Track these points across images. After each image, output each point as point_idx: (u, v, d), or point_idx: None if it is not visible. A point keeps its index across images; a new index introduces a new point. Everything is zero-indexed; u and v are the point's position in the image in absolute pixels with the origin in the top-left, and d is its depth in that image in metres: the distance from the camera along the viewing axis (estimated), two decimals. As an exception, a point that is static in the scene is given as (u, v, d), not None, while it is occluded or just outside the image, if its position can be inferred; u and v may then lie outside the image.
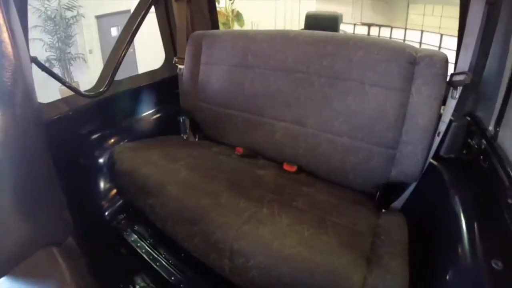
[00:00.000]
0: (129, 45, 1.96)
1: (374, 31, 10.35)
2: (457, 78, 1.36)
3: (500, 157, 1.24)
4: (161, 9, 2.27)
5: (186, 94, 2.12)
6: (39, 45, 8.07)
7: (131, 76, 2.22)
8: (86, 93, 1.77)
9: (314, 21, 2.78)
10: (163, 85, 2.26)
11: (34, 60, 1.39)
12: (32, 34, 6.91)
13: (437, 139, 1.41)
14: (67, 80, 5.36)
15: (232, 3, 8.66)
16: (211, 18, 2.44)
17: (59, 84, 1.70)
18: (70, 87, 1.68)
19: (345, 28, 9.79)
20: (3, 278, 0.89)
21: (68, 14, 8.71)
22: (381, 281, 1.01)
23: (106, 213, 1.79)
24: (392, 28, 10.12)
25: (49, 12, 8.37)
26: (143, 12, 2.02)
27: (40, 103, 1.38)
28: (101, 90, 1.80)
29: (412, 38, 9.49)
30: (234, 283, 1.24)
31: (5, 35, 0.85)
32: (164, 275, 1.52)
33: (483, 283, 0.89)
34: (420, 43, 9.29)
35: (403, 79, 1.40)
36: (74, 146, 1.73)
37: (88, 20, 9.37)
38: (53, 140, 1.17)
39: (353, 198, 1.52)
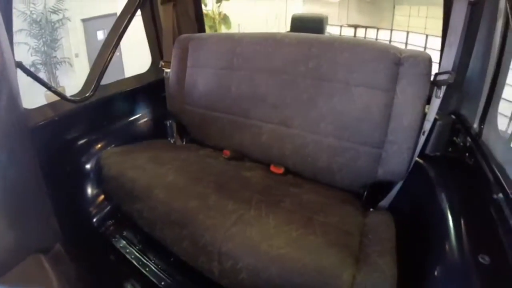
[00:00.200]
0: (115, 48, 1.95)
1: (360, 33, 10.45)
2: (441, 77, 1.39)
3: (484, 154, 1.28)
4: (147, 12, 2.26)
5: (172, 98, 2.11)
6: (24, 49, 7.96)
7: (117, 80, 2.20)
8: (72, 98, 1.75)
9: (300, 23, 2.80)
10: (150, 89, 2.25)
11: (19, 65, 1.37)
12: (17, 38, 6.81)
13: (422, 138, 1.43)
14: (52, 85, 5.31)
15: (219, 5, 8.66)
16: (197, 21, 2.44)
17: (44, 89, 1.68)
18: (56, 92, 1.66)
19: (332, 29, 9.87)
20: (-9, 286, 0.88)
21: (54, 17, 8.59)
22: (369, 279, 1.02)
23: (94, 220, 1.77)
24: (378, 29, 10.23)
25: (34, 16, 8.25)
26: (129, 16, 2.01)
27: (25, 109, 1.36)
28: (87, 95, 1.78)
29: (398, 39, 9.61)
30: (224, 286, 1.24)
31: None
32: (154, 281, 1.51)
33: (471, 277, 0.91)
34: (406, 44, 9.42)
35: (388, 80, 1.42)
36: (61, 151, 1.71)
37: (74, 23, 9.27)
38: (39, 146, 1.16)
39: (340, 198, 1.53)
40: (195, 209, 1.33)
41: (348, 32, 10.48)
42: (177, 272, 1.53)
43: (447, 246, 1.05)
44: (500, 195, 1.08)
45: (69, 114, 1.75)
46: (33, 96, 2.09)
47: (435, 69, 1.42)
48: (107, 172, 1.66)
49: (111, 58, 1.93)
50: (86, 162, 1.80)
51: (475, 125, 1.46)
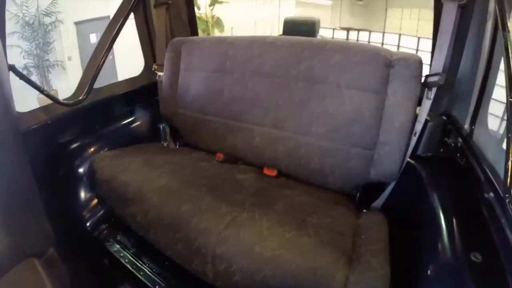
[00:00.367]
0: (108, 52, 1.94)
1: (353, 35, 10.49)
2: (432, 79, 1.41)
3: (475, 154, 1.29)
4: (140, 15, 2.26)
5: (165, 101, 2.11)
6: (17, 52, 7.90)
7: (110, 83, 2.19)
8: (65, 101, 1.74)
9: (292, 26, 2.82)
10: (143, 92, 2.25)
11: (12, 68, 1.36)
12: (9, 40, 6.77)
13: (414, 139, 1.46)
14: (45, 88, 5.27)
15: (212, 9, 8.67)
16: (190, 24, 2.44)
17: (37, 92, 1.68)
18: (49, 96, 1.66)
19: (325, 32, 9.91)
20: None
21: (47, 20, 8.53)
22: (363, 279, 1.03)
23: (88, 224, 1.76)
24: (370, 32, 10.28)
25: (27, 18, 8.19)
26: (122, 19, 2.01)
27: (18, 112, 1.36)
28: (80, 98, 1.78)
29: (391, 42, 9.67)
30: None
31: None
32: (149, 284, 1.50)
33: (463, 275, 0.93)
34: (398, 46, 9.48)
35: (379, 82, 1.44)
36: (54, 155, 1.71)
37: (67, 26, 9.20)
38: (32, 150, 1.16)
39: (333, 200, 1.54)
40: (188, 212, 1.33)
41: (341, 35, 10.53)
42: (171, 276, 1.53)
43: (439, 245, 1.06)
44: (491, 194, 1.09)
45: (62, 118, 1.75)
46: (25, 100, 2.08)
47: (426, 70, 1.44)
48: (100, 176, 1.66)
49: (104, 62, 1.92)
50: (79, 166, 1.80)
51: (466, 126, 1.47)
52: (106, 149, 1.91)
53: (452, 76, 1.57)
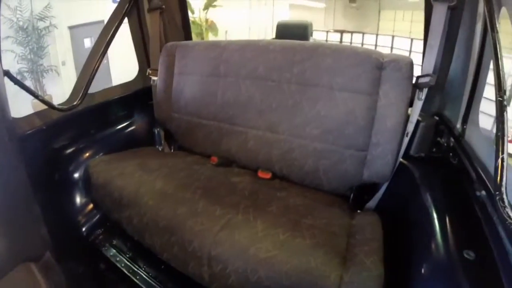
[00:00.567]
0: (103, 56, 1.95)
1: (346, 38, 10.54)
2: (423, 80, 1.44)
3: (467, 153, 1.31)
4: (134, 20, 2.27)
5: (160, 105, 2.12)
6: (11, 57, 7.86)
7: (105, 88, 2.19)
8: (60, 106, 1.75)
9: (285, 30, 2.83)
10: (137, 97, 2.25)
11: (7, 73, 1.36)
12: (3, 45, 6.73)
13: (406, 140, 1.48)
14: (39, 93, 5.24)
15: (206, 12, 8.68)
16: (184, 28, 2.45)
17: (31, 97, 1.68)
18: (44, 101, 1.65)
19: (319, 35, 9.95)
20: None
21: (41, 24, 8.49)
22: (357, 278, 1.05)
23: (84, 229, 1.76)
24: (364, 34, 10.34)
25: (21, 23, 8.14)
26: (116, 23, 2.02)
27: (13, 118, 1.36)
28: (74, 103, 1.78)
29: (384, 43, 9.73)
30: None
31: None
32: None
33: (457, 273, 0.94)
34: (392, 48, 9.53)
35: (371, 84, 1.46)
36: (49, 160, 1.71)
37: (61, 30, 9.17)
38: (28, 155, 1.16)
39: (327, 201, 1.55)
40: (184, 215, 1.34)
41: (335, 37, 10.58)
42: (168, 279, 1.53)
43: (433, 244, 1.08)
44: (483, 192, 1.11)
45: (57, 123, 1.75)
46: (20, 105, 2.07)
47: (419, 72, 1.46)
48: (96, 180, 1.66)
49: (98, 66, 1.93)
50: (75, 171, 1.80)
51: (458, 126, 1.50)
52: (101, 153, 1.91)
53: (443, 76, 1.59)
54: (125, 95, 2.20)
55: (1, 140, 0.96)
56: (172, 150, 2.21)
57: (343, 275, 1.05)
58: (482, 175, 1.15)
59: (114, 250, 1.70)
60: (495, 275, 0.89)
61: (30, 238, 1.08)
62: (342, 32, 10.56)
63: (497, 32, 1.10)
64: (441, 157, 1.51)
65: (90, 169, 1.72)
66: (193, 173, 1.71)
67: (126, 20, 2.14)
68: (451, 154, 1.47)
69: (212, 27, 8.95)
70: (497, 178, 0.89)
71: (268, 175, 1.73)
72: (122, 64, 4.36)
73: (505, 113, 0.97)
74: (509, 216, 0.82)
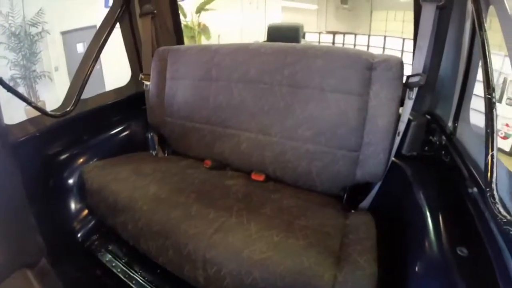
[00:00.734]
0: (95, 62, 1.95)
1: (339, 39, 10.58)
2: (413, 79, 1.45)
3: (459, 151, 1.33)
4: (126, 25, 2.27)
5: (153, 110, 2.12)
6: (3, 63, 7.82)
7: (97, 94, 2.20)
8: (53, 113, 1.75)
9: (276, 33, 2.85)
10: (130, 102, 2.26)
11: None
12: (-5, 51, 6.72)
13: (398, 139, 1.49)
14: (32, 99, 5.22)
15: (198, 16, 8.68)
16: (176, 33, 2.46)
17: (24, 103, 1.67)
18: (37, 108, 1.65)
19: (311, 36, 9.97)
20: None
21: (33, 30, 8.45)
22: (350, 278, 1.05)
23: (79, 235, 1.76)
24: (356, 35, 10.38)
25: (13, 29, 8.10)
26: (108, 28, 2.02)
27: (6, 125, 1.36)
28: (68, 109, 1.78)
29: (376, 44, 9.76)
30: None
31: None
32: None
33: (450, 270, 0.95)
34: (384, 48, 9.57)
35: (362, 84, 1.48)
36: (43, 167, 1.71)
37: (54, 36, 9.12)
38: (21, 162, 1.16)
39: (321, 202, 1.56)
40: (178, 219, 1.35)
41: (327, 39, 10.61)
42: (164, 283, 1.53)
43: (426, 242, 1.09)
44: (475, 189, 1.12)
45: (50, 129, 1.75)
46: (12, 112, 2.07)
47: (408, 71, 1.47)
48: (90, 186, 1.67)
49: (91, 72, 1.93)
50: (69, 177, 1.79)
51: (449, 124, 1.51)
52: (95, 159, 1.91)
53: (433, 75, 1.61)
54: (118, 101, 2.20)
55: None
56: (166, 155, 2.22)
57: (337, 275, 1.06)
58: (474, 172, 1.17)
59: (110, 256, 1.70)
60: (488, 271, 0.91)
61: (26, 245, 1.07)
62: (334, 33, 10.59)
63: (485, 30, 1.12)
64: (433, 156, 1.53)
65: (84, 174, 1.72)
66: (186, 177, 1.71)
67: (117, 25, 2.14)
68: (443, 152, 1.48)
69: (204, 30, 8.95)
70: (487, 175, 0.90)
71: (261, 178, 1.74)
72: (115, 70, 4.34)
73: (494, 110, 0.98)
74: (499, 212, 0.84)
